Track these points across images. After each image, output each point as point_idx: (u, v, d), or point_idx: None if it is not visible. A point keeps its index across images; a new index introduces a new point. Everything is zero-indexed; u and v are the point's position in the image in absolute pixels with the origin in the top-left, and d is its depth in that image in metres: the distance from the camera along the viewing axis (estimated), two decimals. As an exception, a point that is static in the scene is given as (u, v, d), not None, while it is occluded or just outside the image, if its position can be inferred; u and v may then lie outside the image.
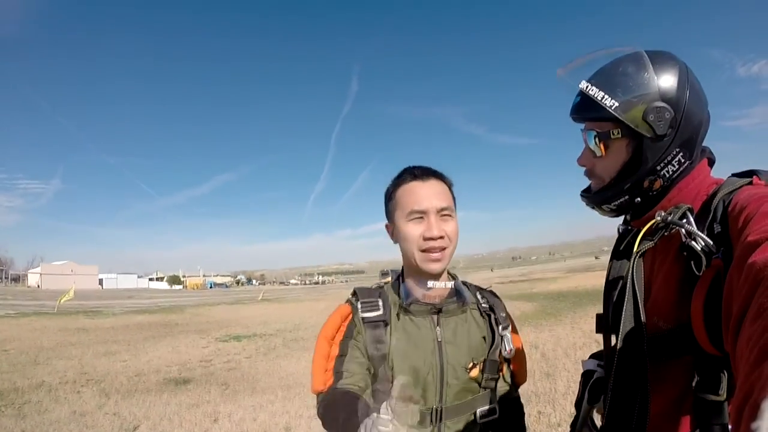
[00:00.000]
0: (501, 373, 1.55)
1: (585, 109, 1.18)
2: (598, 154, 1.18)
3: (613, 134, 1.13)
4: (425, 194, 1.45)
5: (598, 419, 1.33)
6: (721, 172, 1.17)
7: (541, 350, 8.55)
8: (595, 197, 1.23)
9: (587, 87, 1.13)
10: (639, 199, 1.15)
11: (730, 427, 0.94)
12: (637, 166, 1.12)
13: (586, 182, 1.31)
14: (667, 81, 1.08)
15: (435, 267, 1.43)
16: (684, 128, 1.07)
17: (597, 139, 1.17)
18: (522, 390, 1.69)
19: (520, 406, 1.67)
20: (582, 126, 1.23)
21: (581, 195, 1.29)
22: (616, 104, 1.08)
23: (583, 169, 1.27)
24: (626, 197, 1.16)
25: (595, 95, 1.11)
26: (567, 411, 5.16)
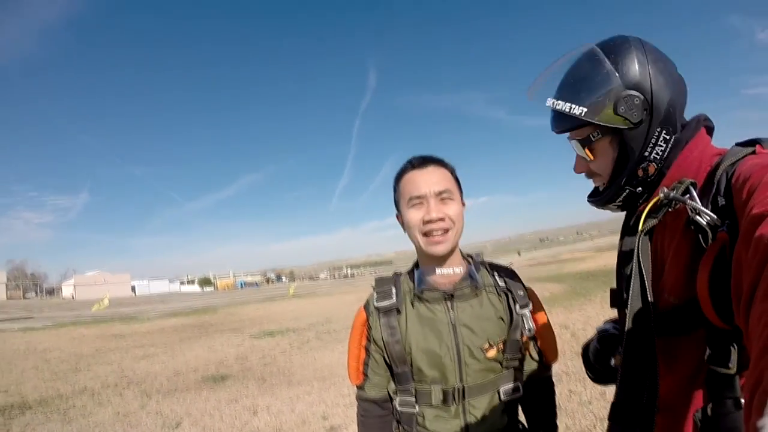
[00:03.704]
0: (526, 353, 1.58)
1: (560, 123, 1.21)
2: (588, 159, 1.21)
3: (594, 137, 1.15)
4: (423, 180, 1.52)
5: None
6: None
7: (572, 330, 8.56)
8: (599, 200, 1.24)
9: (554, 103, 1.16)
10: (640, 188, 1.16)
11: (742, 402, 0.94)
12: (627, 158, 1.13)
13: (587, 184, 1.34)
14: (626, 67, 1.08)
15: (438, 249, 1.49)
16: (658, 106, 1.07)
17: (581, 146, 1.19)
18: (553, 369, 1.69)
19: (551, 385, 1.69)
20: (567, 136, 1.25)
21: (588, 200, 1.31)
22: (585, 110, 1.10)
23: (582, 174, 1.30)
24: (627, 191, 1.17)
25: (563, 108, 1.13)
26: (598, 389, 5.13)
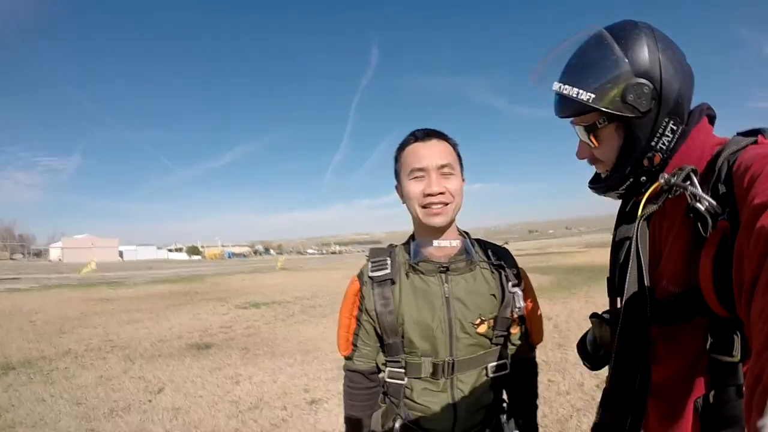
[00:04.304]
0: (514, 331, 1.60)
1: (565, 108, 1.17)
2: (592, 145, 1.18)
3: (600, 123, 1.12)
4: (425, 153, 1.52)
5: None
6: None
7: (554, 322, 8.64)
8: (602, 187, 1.22)
9: (561, 87, 1.13)
10: (644, 177, 1.14)
11: (744, 389, 0.93)
12: (633, 147, 1.11)
13: (587, 170, 1.31)
14: (635, 54, 1.05)
15: (437, 221, 1.50)
16: (667, 96, 1.05)
17: (586, 132, 1.17)
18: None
19: (534, 366, 1.71)
20: (570, 120, 1.22)
21: (589, 186, 1.28)
22: (593, 96, 1.07)
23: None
24: (631, 179, 1.15)
25: (570, 93, 1.10)
26: (576, 380, 5.26)
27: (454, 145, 1.59)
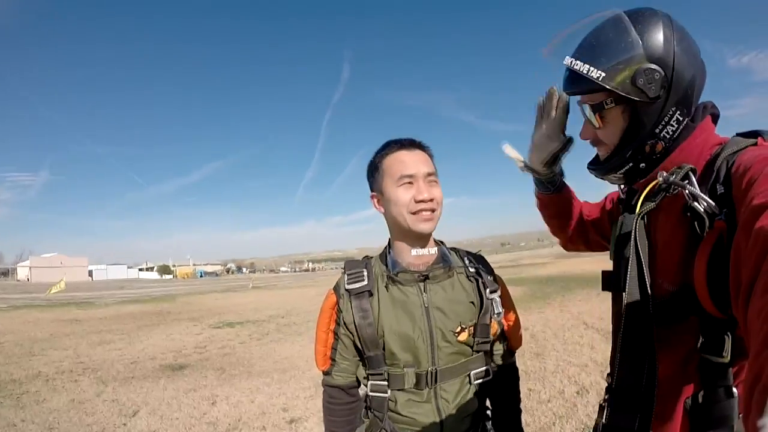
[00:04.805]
0: (494, 337, 1.59)
1: (574, 84, 1.17)
2: (596, 125, 1.18)
3: (607, 104, 1.12)
4: (413, 161, 1.53)
5: None
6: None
7: (531, 332, 8.70)
8: (601, 168, 1.23)
9: (572, 62, 1.12)
10: (644, 164, 1.14)
11: (734, 390, 0.97)
12: (637, 132, 1.11)
13: (586, 157, 1.32)
14: (651, 39, 1.04)
15: (426, 227, 1.51)
16: (677, 86, 1.05)
17: (592, 112, 1.16)
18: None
19: (515, 371, 1.72)
20: (578, 99, 1.22)
21: (588, 167, 1.29)
22: (603, 74, 1.06)
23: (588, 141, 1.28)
24: (631, 164, 1.15)
25: (581, 69, 1.09)
26: (556, 388, 5.34)
27: (431, 156, 1.62)
